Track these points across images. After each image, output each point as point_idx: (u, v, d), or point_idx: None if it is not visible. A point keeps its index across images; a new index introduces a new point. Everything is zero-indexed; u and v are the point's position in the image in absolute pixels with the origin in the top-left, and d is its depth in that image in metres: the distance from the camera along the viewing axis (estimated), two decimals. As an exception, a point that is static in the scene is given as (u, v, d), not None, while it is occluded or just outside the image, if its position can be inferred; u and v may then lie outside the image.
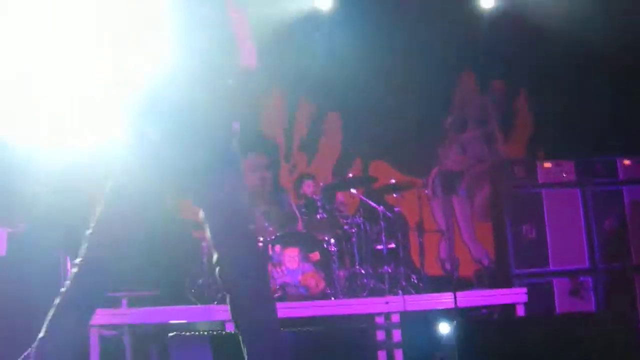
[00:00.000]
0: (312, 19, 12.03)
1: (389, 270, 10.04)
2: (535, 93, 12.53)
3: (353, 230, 10.09)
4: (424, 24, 11.64)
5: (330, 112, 12.60)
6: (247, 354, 4.50)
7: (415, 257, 10.89)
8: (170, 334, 6.31)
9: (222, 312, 8.38)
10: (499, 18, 11.79)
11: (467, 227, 12.11)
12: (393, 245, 10.31)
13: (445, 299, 8.93)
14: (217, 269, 4.66)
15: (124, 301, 9.72)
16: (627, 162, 10.19)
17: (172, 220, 10.83)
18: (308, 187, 10.71)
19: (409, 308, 8.88)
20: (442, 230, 11.65)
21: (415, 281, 10.21)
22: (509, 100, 12.94)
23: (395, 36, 11.69)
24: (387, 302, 8.87)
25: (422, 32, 11.63)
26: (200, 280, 10.12)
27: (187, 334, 6.62)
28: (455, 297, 8.55)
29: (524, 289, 8.97)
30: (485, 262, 11.65)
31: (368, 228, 10.29)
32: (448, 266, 11.20)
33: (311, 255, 9.74)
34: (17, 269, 7.64)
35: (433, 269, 11.45)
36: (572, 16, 11.01)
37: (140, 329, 8.94)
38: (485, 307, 9.12)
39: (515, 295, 8.92)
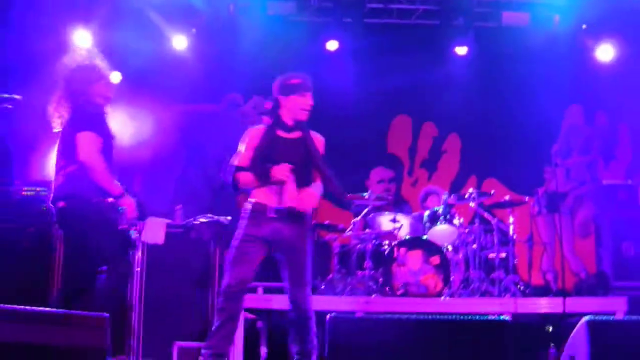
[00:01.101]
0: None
1: (500, 277, 9.95)
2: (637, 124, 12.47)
3: (469, 239, 10.10)
4: (539, 61, 11.77)
5: (451, 134, 12.68)
6: None
7: (521, 267, 10.78)
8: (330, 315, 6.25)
9: (346, 303, 8.85)
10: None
11: (568, 242, 12.03)
12: (504, 255, 10.21)
13: (552, 304, 8.97)
14: None
15: (260, 289, 9.98)
16: None
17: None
18: (432, 202, 10.79)
19: (520, 310, 8.99)
20: (545, 244, 11.53)
21: (522, 288, 10.12)
22: (613, 131, 12.89)
23: (512, 72, 11.87)
24: (500, 304, 8.96)
25: (538, 68, 11.75)
26: (330, 276, 10.23)
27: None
28: (564, 303, 8.56)
29: (625, 298, 8.90)
30: (583, 275, 11.62)
31: (482, 238, 10.24)
32: (549, 277, 11.22)
33: (432, 258, 9.78)
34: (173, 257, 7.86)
35: (536, 279, 11.38)
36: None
37: (275, 314, 9.18)
38: (588, 314, 9.02)
39: (617, 304, 8.82)
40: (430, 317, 6.85)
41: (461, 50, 11.90)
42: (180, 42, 11.17)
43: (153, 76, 10.87)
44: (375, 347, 5.87)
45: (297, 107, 6.25)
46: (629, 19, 11.20)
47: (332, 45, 11.80)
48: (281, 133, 6.26)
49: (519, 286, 10.10)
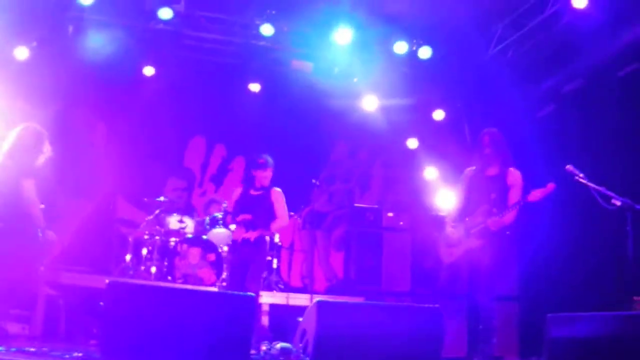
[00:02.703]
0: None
1: (265, 275, 10.42)
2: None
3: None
4: (319, 102, 12.22)
5: (238, 156, 13.04)
6: None
7: (283, 270, 11.22)
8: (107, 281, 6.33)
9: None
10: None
11: (324, 254, 12.51)
12: (269, 258, 10.60)
13: (303, 299, 9.53)
14: None
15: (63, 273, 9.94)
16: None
17: (108, 218, 11.38)
18: (214, 209, 11.15)
19: (277, 302, 9.72)
20: (305, 253, 11.96)
21: (282, 287, 10.60)
22: (369, 166, 13.59)
23: (295, 108, 12.21)
24: (260, 296, 9.36)
25: (317, 108, 12.27)
26: (124, 264, 10.50)
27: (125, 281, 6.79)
28: (312, 298, 9.09)
29: (363, 297, 9.56)
30: (334, 281, 12.08)
31: None
32: (306, 281, 11.53)
33: (208, 255, 10.24)
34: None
35: (295, 281, 11.81)
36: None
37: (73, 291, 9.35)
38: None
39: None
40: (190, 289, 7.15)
41: (255, 87, 12.23)
42: (21, 52, 10.68)
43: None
44: (147, 311, 5.88)
45: (261, 177, 8.83)
46: (390, 78, 11.85)
47: (148, 71, 11.83)
48: (252, 192, 8.85)
49: (280, 285, 10.63)
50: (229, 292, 8.04)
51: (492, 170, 7.80)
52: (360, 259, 10.78)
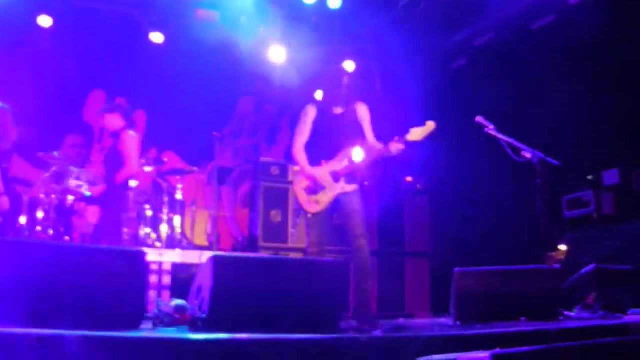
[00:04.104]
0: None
1: (168, 233, 10.22)
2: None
3: (141, 200, 10.16)
4: (225, 53, 11.85)
5: (139, 110, 12.55)
6: None
7: (187, 228, 11.02)
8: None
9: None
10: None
11: (230, 211, 12.39)
12: (172, 215, 10.39)
13: (204, 256, 9.32)
14: None
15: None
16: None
17: (3, 178, 10.77)
18: None
19: (177, 260, 9.39)
20: (210, 210, 11.79)
21: (186, 245, 10.40)
22: (276, 120, 13.40)
23: (200, 60, 11.79)
24: (161, 254, 9.20)
25: (223, 60, 11.94)
26: (19, 225, 9.95)
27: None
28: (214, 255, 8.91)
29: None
30: (240, 238, 11.95)
31: (155, 199, 10.37)
32: (211, 239, 11.35)
33: None
34: None
35: (200, 240, 11.57)
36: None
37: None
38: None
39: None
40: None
41: (157, 38, 11.90)
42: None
43: None
44: (34, 272, 5.67)
45: (106, 122, 9.00)
46: (299, 29, 11.74)
47: (43, 21, 11.40)
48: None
49: (184, 242, 10.43)
50: (116, 248, 7.82)
51: (338, 109, 7.67)
52: (266, 215, 10.60)
